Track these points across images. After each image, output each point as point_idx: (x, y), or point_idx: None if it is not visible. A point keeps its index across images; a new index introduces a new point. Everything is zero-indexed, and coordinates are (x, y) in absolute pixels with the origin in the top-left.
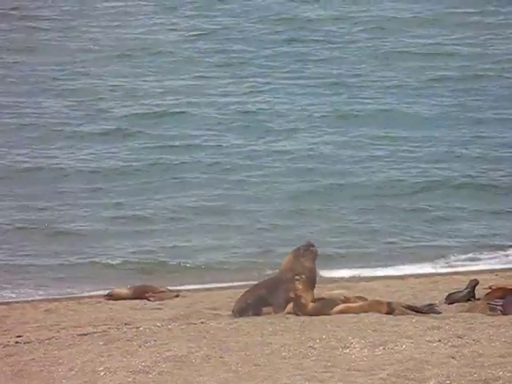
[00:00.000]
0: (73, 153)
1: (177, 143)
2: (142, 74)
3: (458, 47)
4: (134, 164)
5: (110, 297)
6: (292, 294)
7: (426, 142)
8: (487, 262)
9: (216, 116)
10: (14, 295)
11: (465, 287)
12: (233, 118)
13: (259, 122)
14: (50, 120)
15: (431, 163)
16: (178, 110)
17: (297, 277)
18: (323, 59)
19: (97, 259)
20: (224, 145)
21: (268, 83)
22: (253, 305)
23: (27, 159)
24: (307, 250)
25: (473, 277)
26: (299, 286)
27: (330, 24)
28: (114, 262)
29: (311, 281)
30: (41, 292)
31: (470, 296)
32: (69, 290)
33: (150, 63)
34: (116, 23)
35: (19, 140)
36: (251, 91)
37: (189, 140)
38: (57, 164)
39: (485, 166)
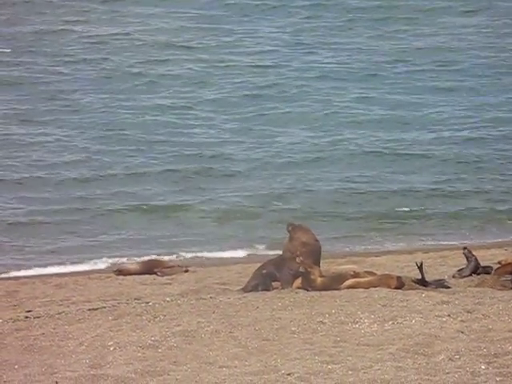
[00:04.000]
0: None
1: None
2: None
3: None
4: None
5: (120, 272)
6: (302, 269)
7: None
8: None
9: None
10: (23, 270)
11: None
12: None
13: None
14: None
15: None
16: None
17: (297, 258)
18: None
19: None
20: None
21: None
22: (263, 280)
23: None
24: (288, 231)
25: (482, 251)
26: (301, 263)
27: None
28: None
29: (309, 255)
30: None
31: (475, 268)
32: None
33: None
34: None
35: None
36: None
37: None
38: None
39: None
